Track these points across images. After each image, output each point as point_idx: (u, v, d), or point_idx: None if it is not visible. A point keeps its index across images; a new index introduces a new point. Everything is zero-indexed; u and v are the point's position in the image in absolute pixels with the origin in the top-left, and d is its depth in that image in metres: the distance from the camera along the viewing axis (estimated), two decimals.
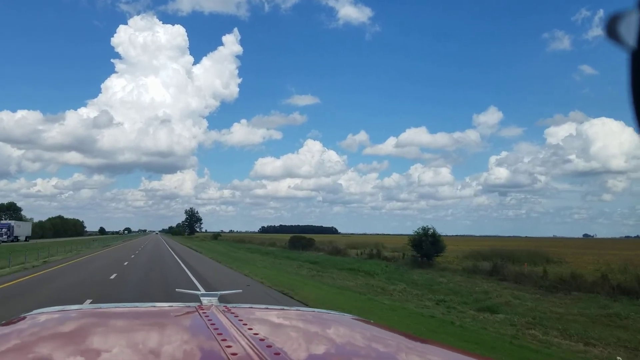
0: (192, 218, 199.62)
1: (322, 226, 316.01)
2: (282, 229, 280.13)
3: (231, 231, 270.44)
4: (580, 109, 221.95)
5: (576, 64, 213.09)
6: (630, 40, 0.61)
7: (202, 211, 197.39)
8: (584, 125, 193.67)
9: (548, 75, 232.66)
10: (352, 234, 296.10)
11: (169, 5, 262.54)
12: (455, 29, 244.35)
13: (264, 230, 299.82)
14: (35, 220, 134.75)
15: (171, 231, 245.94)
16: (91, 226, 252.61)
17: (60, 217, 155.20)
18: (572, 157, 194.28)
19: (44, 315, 1.80)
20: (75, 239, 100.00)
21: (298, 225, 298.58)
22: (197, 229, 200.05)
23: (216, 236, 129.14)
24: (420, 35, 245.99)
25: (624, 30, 0.60)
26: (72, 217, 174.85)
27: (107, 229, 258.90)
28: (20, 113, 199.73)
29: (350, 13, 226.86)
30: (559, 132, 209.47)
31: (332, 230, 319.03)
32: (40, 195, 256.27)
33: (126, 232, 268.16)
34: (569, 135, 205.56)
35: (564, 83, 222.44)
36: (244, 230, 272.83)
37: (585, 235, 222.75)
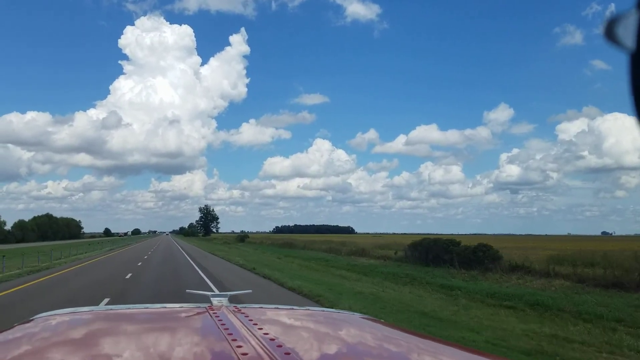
0: (207, 217, 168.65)
1: (338, 225, 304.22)
2: (297, 229, 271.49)
3: (242, 231, 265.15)
4: (595, 104, 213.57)
5: (588, 59, 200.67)
6: (629, 42, 0.59)
7: None
8: (596, 121, 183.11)
9: (559, 71, 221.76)
10: (367, 233, 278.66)
11: (176, 5, 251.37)
12: (465, 25, 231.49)
13: (278, 230, 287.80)
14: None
15: (183, 232, 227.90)
16: (101, 228, 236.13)
17: (48, 216, 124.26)
18: (585, 153, 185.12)
19: (55, 317, 1.76)
20: (46, 244, 70.14)
21: (313, 225, 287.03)
22: (213, 229, 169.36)
23: (243, 238, 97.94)
24: (428, 32, 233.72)
25: (622, 33, 0.58)
26: (65, 216, 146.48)
27: (117, 230, 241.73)
28: (30, 115, 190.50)
29: (359, 10, 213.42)
30: (571, 128, 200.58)
31: (348, 230, 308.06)
32: (51, 197, 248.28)
33: (127, 234, 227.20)
34: (582, 131, 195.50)
35: (576, 78, 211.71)
36: (254, 231, 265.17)
37: (604, 233, 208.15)
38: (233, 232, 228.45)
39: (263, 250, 58.32)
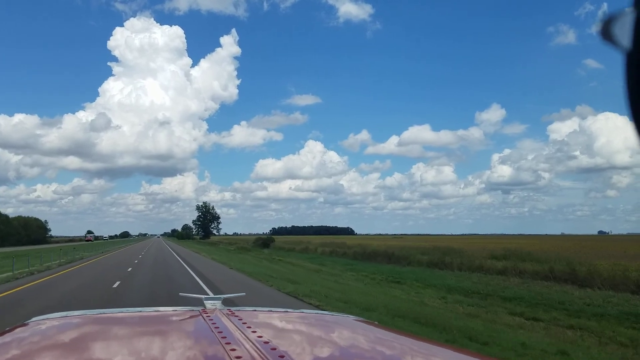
0: (207, 216, 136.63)
1: (336, 226, 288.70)
2: (295, 230, 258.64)
3: (235, 234, 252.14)
4: (588, 103, 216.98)
5: (581, 59, 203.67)
6: (625, 41, 0.57)
7: None
8: (587, 120, 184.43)
9: (552, 70, 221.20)
10: (367, 234, 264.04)
11: (166, 5, 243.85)
12: (457, 26, 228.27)
13: (274, 232, 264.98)
14: None
15: (175, 234, 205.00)
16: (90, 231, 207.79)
17: None
18: (577, 153, 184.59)
19: (47, 321, 1.70)
20: None
21: (311, 227, 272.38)
22: (214, 231, 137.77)
23: (267, 242, 66.99)
24: (421, 32, 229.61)
25: (618, 32, 0.57)
26: (26, 215, 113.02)
27: (108, 233, 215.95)
28: (18, 117, 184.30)
29: (351, 10, 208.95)
30: (563, 128, 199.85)
31: (347, 231, 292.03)
32: (40, 201, 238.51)
33: (101, 238, 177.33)
34: (573, 131, 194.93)
35: (569, 78, 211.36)
36: (247, 233, 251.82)
37: (601, 232, 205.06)
38: (226, 234, 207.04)
39: (351, 270, 27.57)
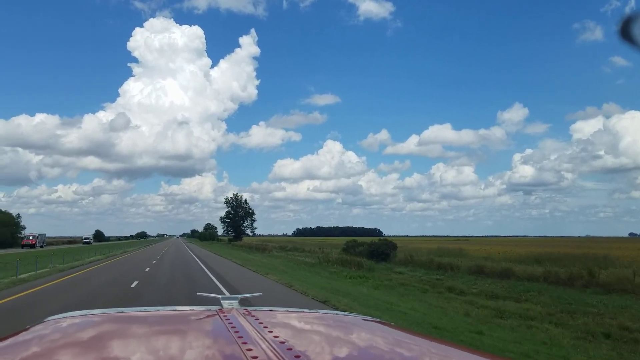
0: (238, 211, 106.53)
1: (364, 227, 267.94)
2: (320, 231, 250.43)
3: (254, 235, 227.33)
4: (615, 101, 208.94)
5: (607, 56, 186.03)
6: None
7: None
8: (612, 119, 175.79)
9: (577, 68, 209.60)
10: (394, 236, 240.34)
11: (185, 4, 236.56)
12: (480, 24, 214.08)
13: (299, 232, 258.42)
14: None
15: (196, 235, 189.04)
16: (111, 232, 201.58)
17: None
18: (601, 152, 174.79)
19: (67, 319, 1.71)
20: None
21: (337, 227, 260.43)
22: (247, 230, 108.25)
23: (384, 252, 37.02)
24: (442, 31, 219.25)
25: (638, 32, 0.52)
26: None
27: (129, 233, 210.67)
28: (39, 117, 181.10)
29: (371, 9, 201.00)
30: (586, 127, 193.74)
31: (375, 232, 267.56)
32: (61, 202, 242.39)
33: (88, 241, 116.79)
34: (598, 130, 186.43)
35: (595, 76, 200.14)
36: (266, 234, 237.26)
37: (632, 234, 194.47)
38: (262, 236, 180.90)
39: None
